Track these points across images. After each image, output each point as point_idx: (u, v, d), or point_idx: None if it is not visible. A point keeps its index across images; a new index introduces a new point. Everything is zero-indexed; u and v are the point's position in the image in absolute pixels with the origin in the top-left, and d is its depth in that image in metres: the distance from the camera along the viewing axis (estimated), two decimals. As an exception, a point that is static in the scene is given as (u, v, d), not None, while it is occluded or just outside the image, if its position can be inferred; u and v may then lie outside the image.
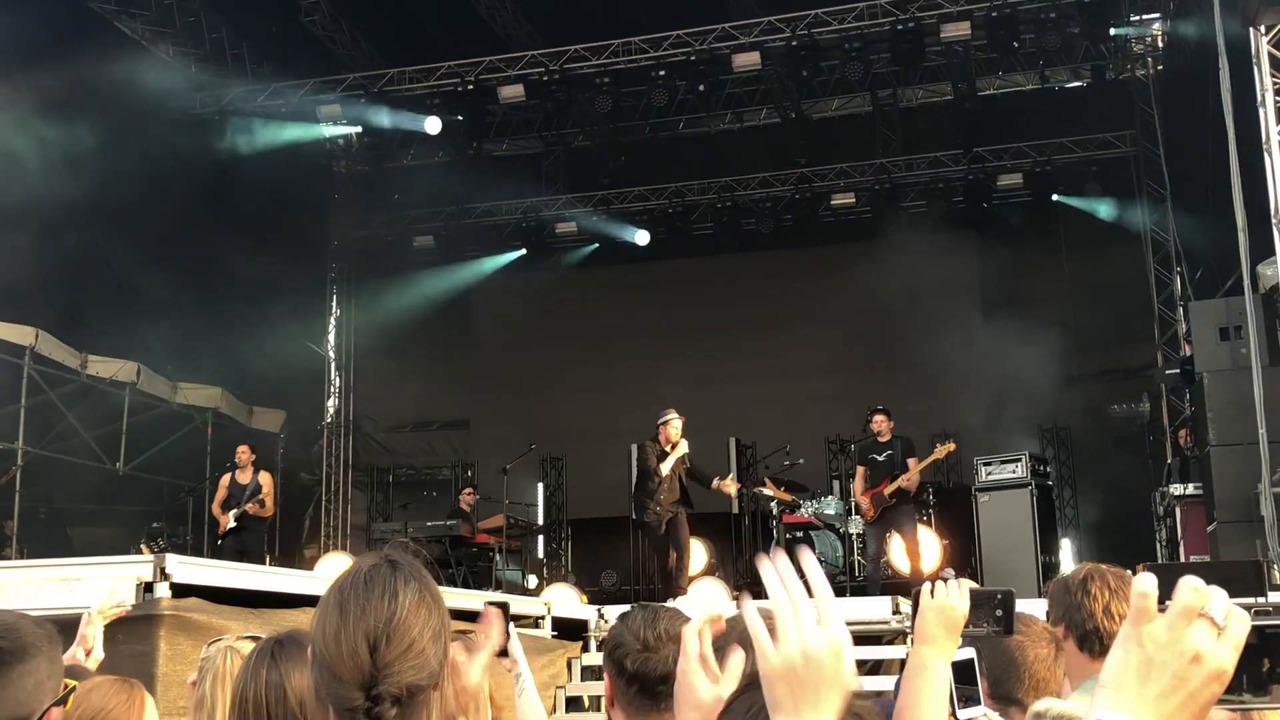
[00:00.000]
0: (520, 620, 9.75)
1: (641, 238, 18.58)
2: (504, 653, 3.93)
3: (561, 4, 15.90)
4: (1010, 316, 15.97)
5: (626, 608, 2.92)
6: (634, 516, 12.43)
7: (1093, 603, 3.05)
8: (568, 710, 9.39)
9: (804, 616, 1.39)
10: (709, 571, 15.43)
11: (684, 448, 11.73)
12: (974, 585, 2.53)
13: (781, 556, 1.43)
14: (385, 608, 1.88)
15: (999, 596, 2.54)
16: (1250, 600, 8.66)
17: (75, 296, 14.00)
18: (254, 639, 3.12)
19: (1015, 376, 15.56)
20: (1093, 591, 3.06)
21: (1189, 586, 1.21)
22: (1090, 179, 16.84)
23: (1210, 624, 1.21)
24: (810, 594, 1.40)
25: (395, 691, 1.84)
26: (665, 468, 11.60)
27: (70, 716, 2.86)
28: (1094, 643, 2.98)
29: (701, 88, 15.49)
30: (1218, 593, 1.22)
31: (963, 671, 2.69)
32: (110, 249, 14.65)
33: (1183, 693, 1.20)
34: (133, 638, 5.52)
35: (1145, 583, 1.23)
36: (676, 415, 11.88)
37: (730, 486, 12.76)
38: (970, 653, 2.76)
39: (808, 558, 1.43)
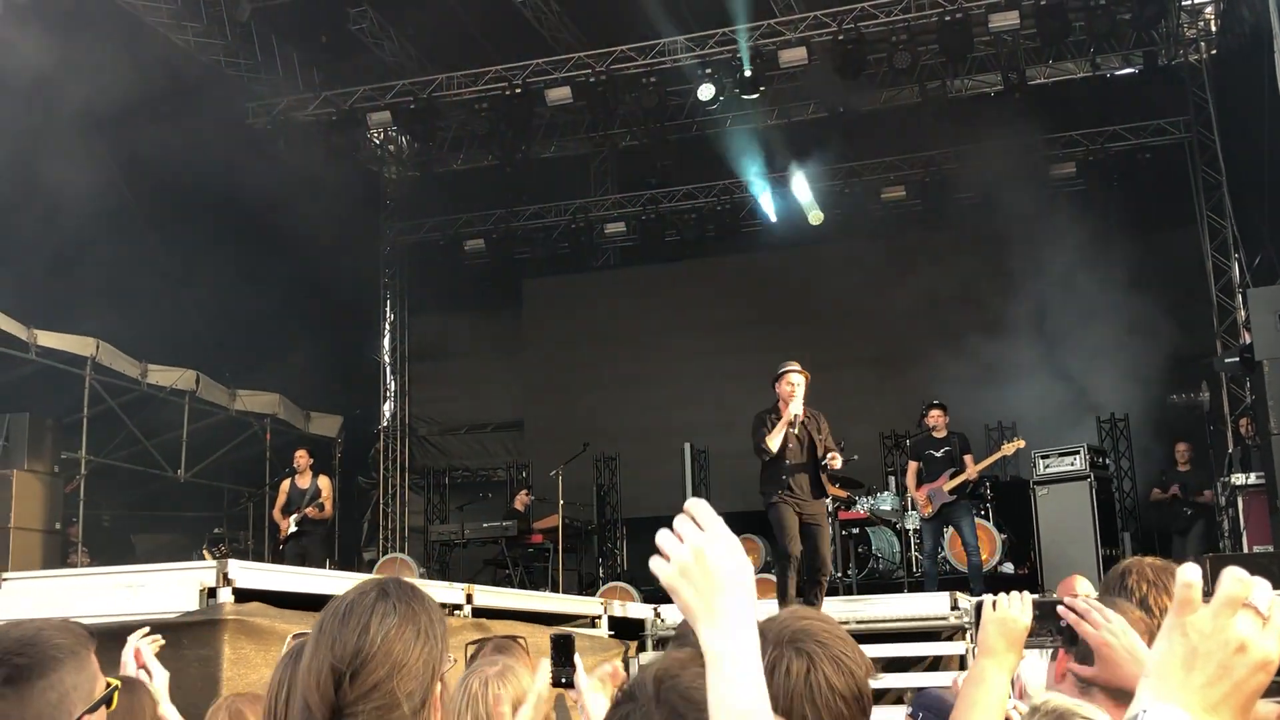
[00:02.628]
0: (577, 620, 9.79)
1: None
2: (570, 684, 3.89)
3: (606, 5, 15.92)
4: (1065, 308, 15.80)
5: None
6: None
7: (1130, 596, 3.02)
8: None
9: (686, 528, 1.55)
10: (764, 569, 15.41)
11: (795, 409, 9.10)
12: (1036, 597, 2.53)
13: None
14: (354, 641, 1.78)
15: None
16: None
17: (133, 307, 14.22)
18: None
19: (1072, 367, 15.40)
20: (1129, 585, 3.03)
21: (1232, 577, 1.21)
22: (1145, 166, 16.63)
23: (1255, 614, 1.20)
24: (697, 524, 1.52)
25: None
26: (774, 442, 9.04)
27: None
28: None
29: (753, 84, 15.43)
30: (1261, 583, 1.22)
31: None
32: (166, 259, 14.87)
33: (1228, 683, 1.19)
34: (197, 643, 5.62)
35: (1189, 573, 1.23)
36: (797, 368, 9.29)
37: (836, 460, 10.51)
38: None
39: (690, 502, 1.55)
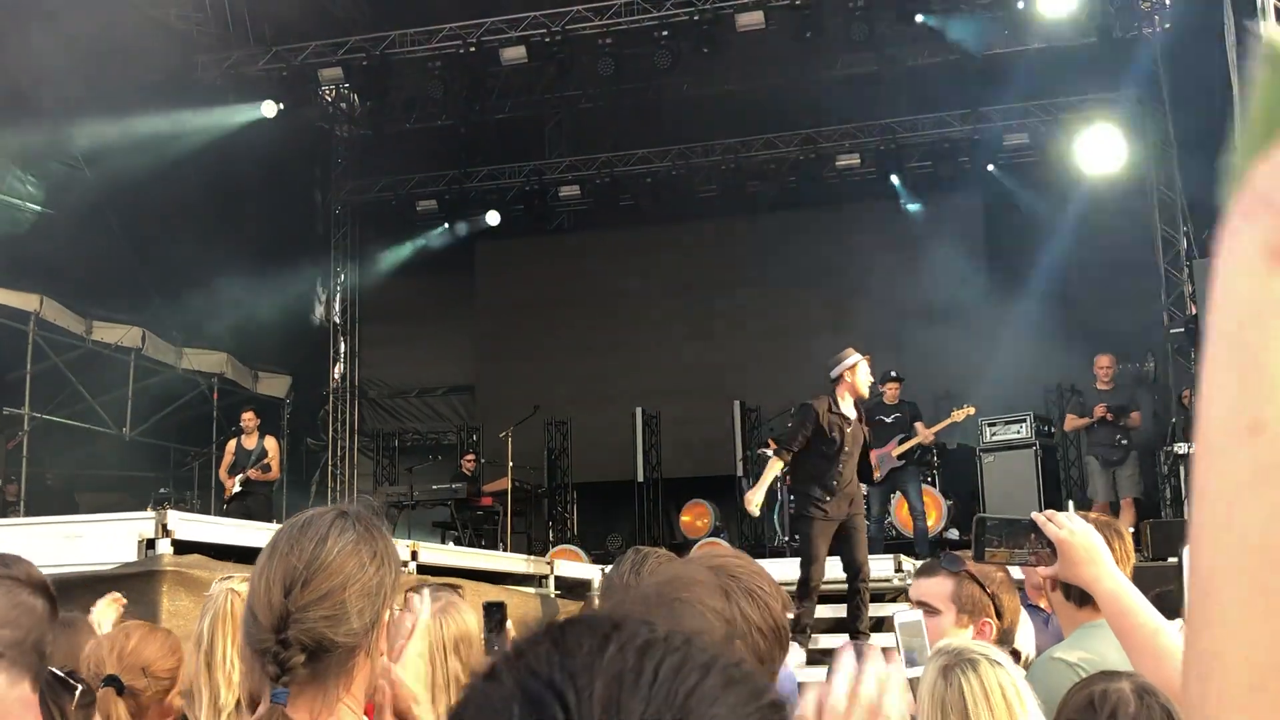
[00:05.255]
0: (526, 580, 9.79)
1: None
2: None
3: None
4: (1014, 277, 15.93)
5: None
6: (794, 511, 8.88)
7: None
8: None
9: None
10: (714, 533, 15.50)
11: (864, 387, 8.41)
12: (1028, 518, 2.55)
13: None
14: (309, 549, 1.78)
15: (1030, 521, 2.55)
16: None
17: (79, 263, 14.00)
18: None
19: (1019, 337, 15.52)
20: None
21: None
22: (1094, 137, 16.74)
23: None
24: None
25: (305, 639, 1.73)
26: (758, 496, 8.32)
27: (108, 662, 2.91)
28: (1074, 590, 3.00)
29: (705, 49, 15.38)
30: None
31: (913, 630, 2.75)
32: (113, 214, 14.64)
33: None
34: (135, 594, 5.55)
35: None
36: (861, 357, 8.52)
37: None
38: (918, 614, 2.83)
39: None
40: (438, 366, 19.94)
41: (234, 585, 3.07)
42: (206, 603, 3.11)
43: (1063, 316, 15.47)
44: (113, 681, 2.92)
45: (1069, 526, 2.46)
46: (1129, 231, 16.45)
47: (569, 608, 9.95)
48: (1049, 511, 2.55)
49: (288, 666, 1.72)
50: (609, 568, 10.10)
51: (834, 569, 8.44)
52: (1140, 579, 3.35)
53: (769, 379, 16.62)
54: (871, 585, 8.86)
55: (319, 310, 19.67)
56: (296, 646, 1.72)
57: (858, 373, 8.36)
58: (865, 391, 8.50)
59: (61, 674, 2.69)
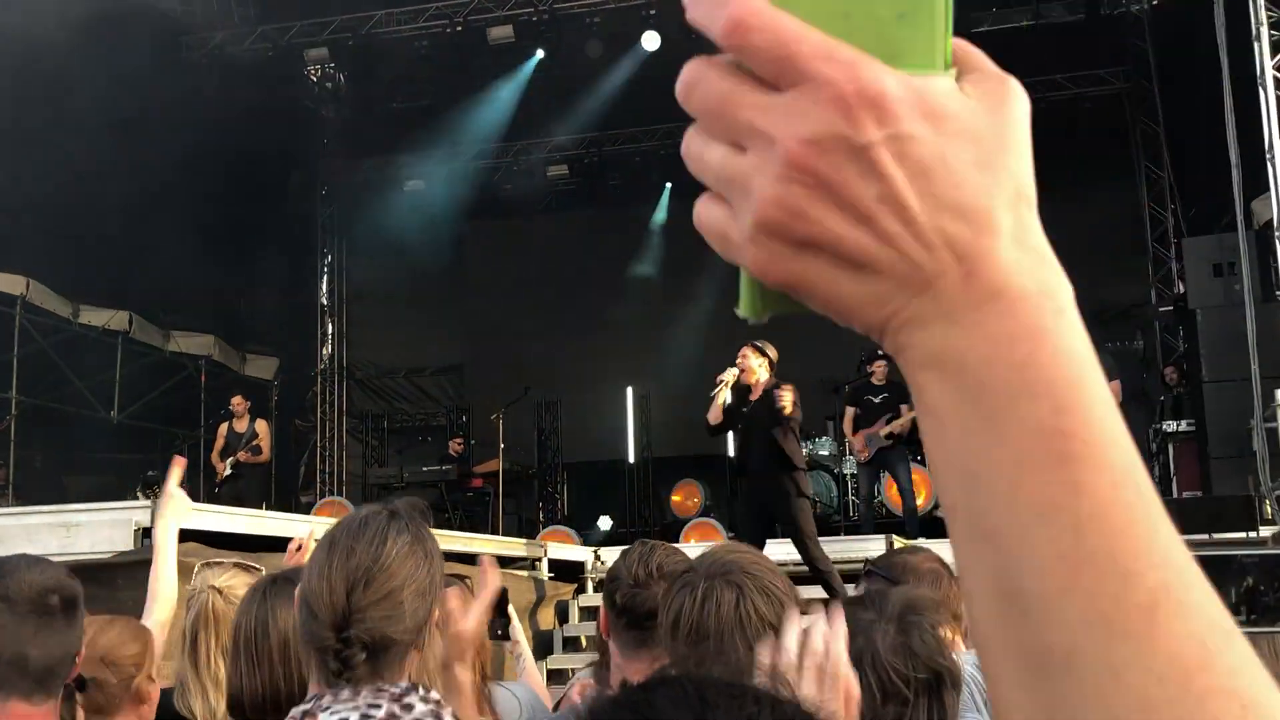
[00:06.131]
0: (518, 562, 9.81)
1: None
2: (505, 635, 3.92)
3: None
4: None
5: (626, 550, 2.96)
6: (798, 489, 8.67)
7: None
8: (565, 650, 9.47)
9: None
10: (704, 513, 15.54)
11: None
12: None
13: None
14: (370, 551, 1.87)
15: None
16: (1241, 535, 8.73)
17: (66, 245, 13.93)
18: (241, 566, 3.16)
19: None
20: None
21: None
22: (1084, 116, 16.76)
23: None
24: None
25: (366, 638, 1.83)
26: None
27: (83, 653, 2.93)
28: None
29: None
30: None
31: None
32: (98, 196, 14.55)
33: None
34: (131, 582, 5.54)
35: None
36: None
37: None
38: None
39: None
40: (426, 347, 19.89)
41: (214, 581, 3.07)
42: (189, 598, 3.12)
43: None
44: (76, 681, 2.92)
45: None
46: (1116, 210, 16.49)
47: (561, 590, 9.97)
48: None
49: (351, 664, 1.82)
50: (600, 549, 10.15)
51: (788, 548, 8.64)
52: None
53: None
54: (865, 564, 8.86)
55: (306, 291, 19.61)
56: (358, 644, 1.82)
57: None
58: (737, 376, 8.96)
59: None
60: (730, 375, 8.88)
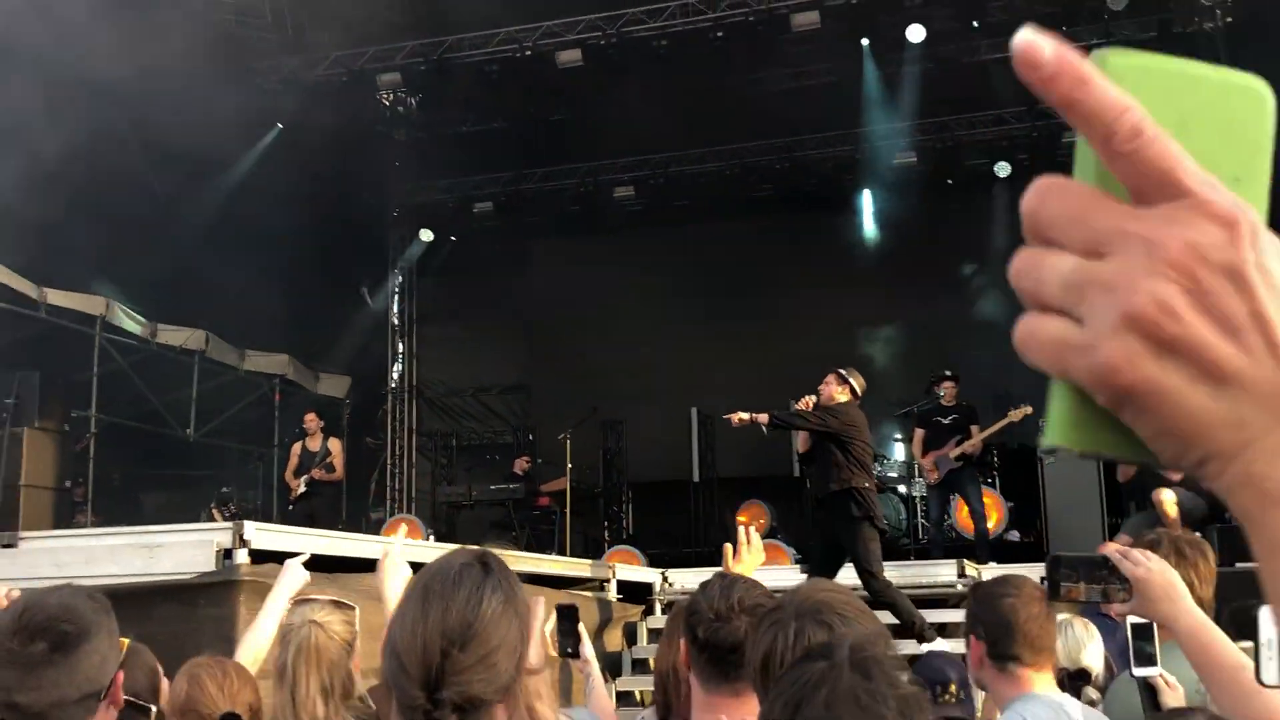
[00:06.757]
0: (586, 584, 9.85)
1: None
2: (575, 654, 3.96)
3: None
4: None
5: (692, 571, 2.98)
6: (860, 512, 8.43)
7: None
8: (634, 673, 9.48)
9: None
10: (770, 535, 15.48)
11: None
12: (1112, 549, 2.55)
13: None
14: (468, 612, 1.84)
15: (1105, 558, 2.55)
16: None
17: (144, 266, 14.22)
18: (336, 603, 3.22)
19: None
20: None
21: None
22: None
23: None
24: None
25: (458, 699, 1.80)
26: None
27: (219, 700, 3.03)
28: None
29: (758, 50, 15.37)
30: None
31: (1142, 632, 2.75)
32: (178, 220, 14.86)
33: None
34: (212, 602, 5.67)
35: None
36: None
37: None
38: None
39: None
40: (492, 366, 20.06)
41: (313, 615, 3.13)
42: (286, 632, 3.17)
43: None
44: (232, 717, 3.02)
45: (1146, 564, 2.46)
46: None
47: (629, 611, 10.00)
48: (1124, 549, 2.56)
49: None
50: (670, 572, 10.14)
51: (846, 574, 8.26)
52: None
53: (822, 378, 16.53)
54: (936, 590, 8.84)
55: (377, 311, 19.86)
56: (449, 706, 1.79)
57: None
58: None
59: (135, 700, 2.79)
60: (807, 402, 8.72)
